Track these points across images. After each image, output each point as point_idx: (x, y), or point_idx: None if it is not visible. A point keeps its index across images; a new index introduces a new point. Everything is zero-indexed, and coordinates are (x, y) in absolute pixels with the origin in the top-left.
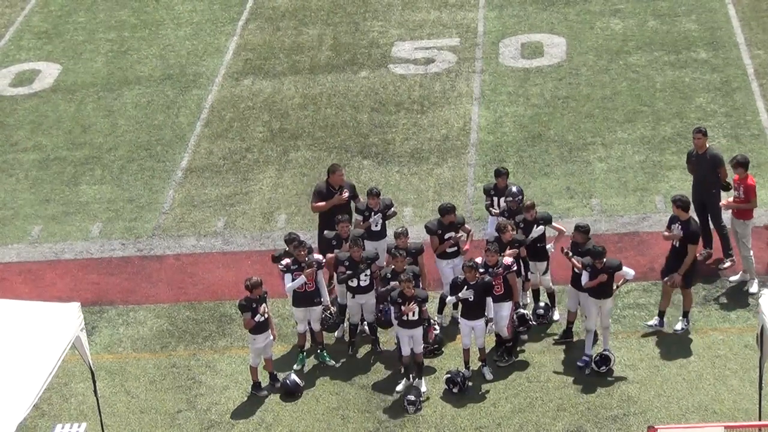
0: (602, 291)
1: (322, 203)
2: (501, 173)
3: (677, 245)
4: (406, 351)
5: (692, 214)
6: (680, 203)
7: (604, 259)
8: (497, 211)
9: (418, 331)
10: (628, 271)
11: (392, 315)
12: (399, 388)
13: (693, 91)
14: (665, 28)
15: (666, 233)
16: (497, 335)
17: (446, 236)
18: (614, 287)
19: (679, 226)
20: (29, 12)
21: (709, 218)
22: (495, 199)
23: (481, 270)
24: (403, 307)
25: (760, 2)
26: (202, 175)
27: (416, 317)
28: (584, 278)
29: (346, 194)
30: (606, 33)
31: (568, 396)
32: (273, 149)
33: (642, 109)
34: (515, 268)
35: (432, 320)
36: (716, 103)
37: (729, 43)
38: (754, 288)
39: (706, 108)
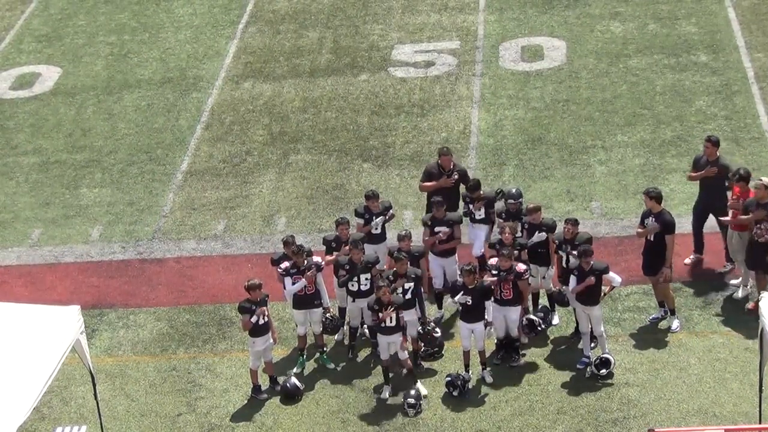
0: (589, 297)
1: (430, 183)
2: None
3: (652, 239)
4: (384, 356)
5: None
6: (654, 194)
7: (592, 261)
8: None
9: (397, 338)
10: (614, 277)
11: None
12: (384, 395)
13: (693, 95)
14: (665, 31)
15: (640, 230)
16: (507, 336)
17: (436, 230)
18: (601, 294)
19: (653, 219)
20: (29, 15)
21: (717, 223)
22: (470, 206)
23: (494, 272)
24: (380, 314)
25: (760, 5)
26: (202, 179)
27: (393, 323)
28: (572, 283)
29: (455, 177)
30: (606, 36)
31: (569, 399)
32: (273, 152)
33: (642, 113)
34: (527, 276)
35: (431, 324)
36: (716, 107)
37: (729, 46)
38: (739, 294)
39: (706, 111)
